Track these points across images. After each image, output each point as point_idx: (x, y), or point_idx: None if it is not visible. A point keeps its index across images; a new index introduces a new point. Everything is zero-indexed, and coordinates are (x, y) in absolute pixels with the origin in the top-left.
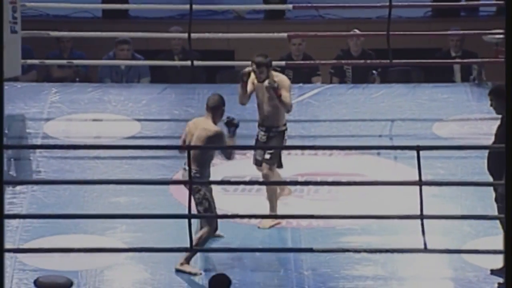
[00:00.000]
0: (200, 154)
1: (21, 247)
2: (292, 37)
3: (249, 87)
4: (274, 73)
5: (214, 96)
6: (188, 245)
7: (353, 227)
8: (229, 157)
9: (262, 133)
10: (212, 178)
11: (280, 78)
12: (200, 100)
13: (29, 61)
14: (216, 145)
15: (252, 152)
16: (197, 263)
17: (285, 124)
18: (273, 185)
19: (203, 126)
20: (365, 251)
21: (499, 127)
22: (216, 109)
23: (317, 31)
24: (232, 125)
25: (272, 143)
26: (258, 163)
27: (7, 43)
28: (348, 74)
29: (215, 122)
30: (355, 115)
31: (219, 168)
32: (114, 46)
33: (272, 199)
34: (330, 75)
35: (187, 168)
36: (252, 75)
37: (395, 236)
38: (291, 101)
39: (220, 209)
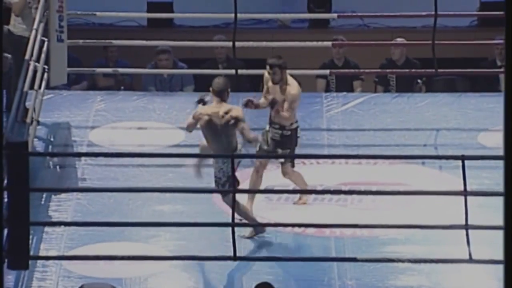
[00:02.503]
0: (230, 140)
1: (66, 254)
2: (337, 46)
3: (265, 88)
4: (289, 79)
5: (218, 79)
6: (232, 253)
7: (397, 236)
8: (255, 141)
9: (275, 130)
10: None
11: (291, 90)
12: (244, 108)
13: (75, 70)
14: (236, 129)
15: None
16: (240, 271)
17: (296, 121)
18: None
19: (224, 111)
20: (410, 261)
21: None
22: (223, 92)
23: (362, 40)
24: (203, 103)
25: (286, 141)
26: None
27: (54, 52)
28: (392, 83)
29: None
30: (400, 124)
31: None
32: (154, 57)
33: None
34: (375, 83)
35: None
36: (266, 75)
37: (439, 246)
38: (289, 114)
39: (264, 217)
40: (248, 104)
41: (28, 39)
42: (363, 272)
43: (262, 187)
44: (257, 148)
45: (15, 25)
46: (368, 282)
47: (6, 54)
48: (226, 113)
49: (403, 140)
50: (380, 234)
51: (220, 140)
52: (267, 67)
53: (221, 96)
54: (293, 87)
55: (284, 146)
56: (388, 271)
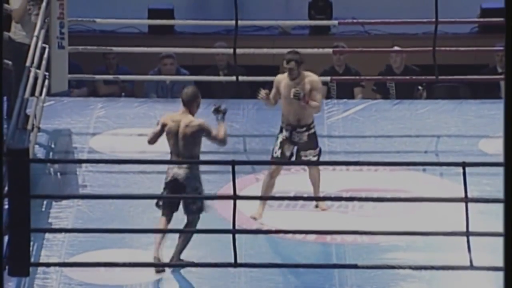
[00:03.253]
0: (190, 151)
1: (66, 261)
2: (338, 53)
3: (273, 92)
4: (305, 72)
5: (187, 89)
6: (232, 260)
7: (398, 243)
8: (223, 142)
9: (301, 133)
10: (256, 194)
11: (312, 78)
12: (244, 115)
13: (76, 76)
14: (203, 136)
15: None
16: (240, 278)
17: (313, 121)
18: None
19: (184, 123)
20: (410, 267)
21: None
22: (191, 102)
23: (362, 47)
24: (219, 112)
25: (313, 139)
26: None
27: (54, 59)
28: (392, 91)
29: (192, 115)
30: (401, 131)
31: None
32: (158, 62)
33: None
34: (374, 92)
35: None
36: (279, 77)
37: (440, 253)
38: (321, 103)
39: (265, 224)
40: (263, 96)
41: (29, 46)
42: (364, 279)
43: (260, 193)
44: (275, 154)
45: (16, 32)
46: None
47: (6, 61)
48: (187, 125)
49: (404, 147)
50: (381, 240)
51: (178, 150)
52: (284, 62)
53: (188, 106)
54: (313, 76)
55: (313, 146)
56: (389, 278)
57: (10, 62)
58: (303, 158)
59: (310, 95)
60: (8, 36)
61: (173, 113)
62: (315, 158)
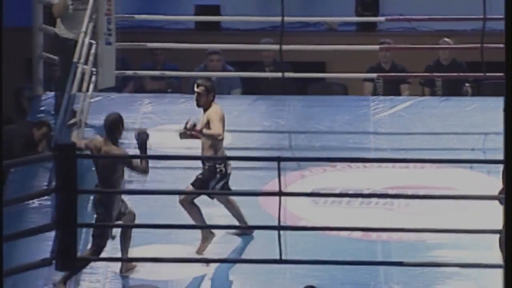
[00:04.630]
0: (108, 178)
1: (113, 256)
2: (384, 50)
3: None
4: (214, 104)
5: (109, 116)
6: (277, 257)
7: (444, 241)
8: (145, 171)
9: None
10: (302, 190)
11: (213, 109)
12: (290, 111)
13: (123, 72)
14: (122, 165)
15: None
16: (286, 275)
17: (221, 163)
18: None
19: (104, 151)
20: (457, 265)
21: None
22: (111, 130)
23: (409, 44)
24: (140, 138)
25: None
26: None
27: (102, 55)
28: (438, 84)
29: (114, 142)
30: (448, 128)
31: (309, 179)
32: (205, 57)
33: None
34: (421, 85)
35: None
36: None
37: (487, 250)
38: (219, 130)
39: (310, 221)
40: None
41: (72, 41)
42: (410, 277)
43: (309, 189)
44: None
45: (60, 27)
46: (414, 287)
47: (53, 57)
48: (104, 156)
49: (451, 144)
50: (427, 238)
51: (99, 177)
52: (195, 86)
53: (109, 133)
54: (217, 107)
55: (204, 184)
56: (435, 275)
57: (56, 57)
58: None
59: (206, 126)
60: (54, 32)
61: (96, 139)
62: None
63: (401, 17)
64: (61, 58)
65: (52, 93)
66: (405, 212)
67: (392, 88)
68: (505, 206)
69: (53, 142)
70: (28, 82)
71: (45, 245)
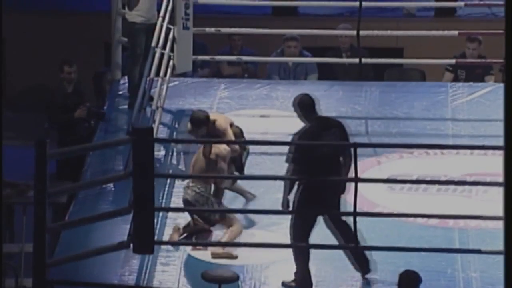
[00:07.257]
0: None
1: (189, 240)
2: (463, 35)
3: None
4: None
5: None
6: (352, 243)
7: None
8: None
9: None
10: (378, 176)
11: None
12: (367, 98)
13: (201, 57)
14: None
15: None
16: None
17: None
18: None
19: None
20: None
21: None
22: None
23: (489, 29)
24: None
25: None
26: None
27: (179, 40)
28: None
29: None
30: None
31: (385, 166)
32: (282, 43)
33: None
34: (501, 72)
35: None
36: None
37: None
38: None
39: (386, 207)
40: None
41: (140, 24)
42: (488, 265)
43: (385, 176)
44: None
45: (127, 12)
46: (492, 275)
47: (124, 39)
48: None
49: None
50: None
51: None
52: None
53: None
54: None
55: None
56: None
57: (126, 40)
58: None
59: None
60: (123, 15)
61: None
62: None
63: (481, 2)
64: (129, 42)
65: (125, 77)
66: (483, 199)
67: (475, 80)
68: (505, 206)
69: (130, 126)
70: (107, 66)
71: (121, 228)
